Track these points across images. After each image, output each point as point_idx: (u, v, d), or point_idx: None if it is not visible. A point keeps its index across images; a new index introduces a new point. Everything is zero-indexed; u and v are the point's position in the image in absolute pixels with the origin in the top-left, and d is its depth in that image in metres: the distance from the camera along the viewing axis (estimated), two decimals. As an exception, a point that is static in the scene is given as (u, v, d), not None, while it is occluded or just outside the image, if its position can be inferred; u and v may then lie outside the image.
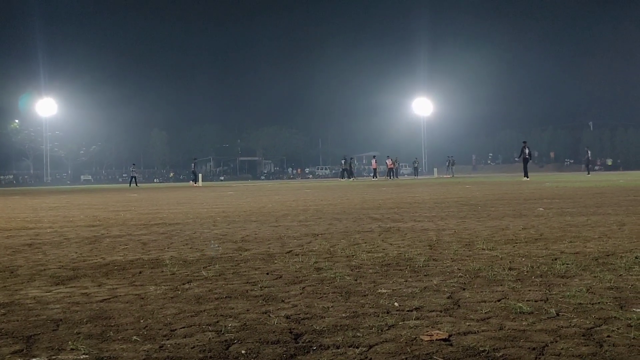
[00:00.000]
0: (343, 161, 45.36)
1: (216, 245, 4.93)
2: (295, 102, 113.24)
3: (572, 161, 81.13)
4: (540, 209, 8.38)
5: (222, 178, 78.46)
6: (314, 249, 4.69)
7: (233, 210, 9.92)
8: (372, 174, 50.35)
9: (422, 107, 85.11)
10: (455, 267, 3.64)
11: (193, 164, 41.21)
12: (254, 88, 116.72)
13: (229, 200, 14.53)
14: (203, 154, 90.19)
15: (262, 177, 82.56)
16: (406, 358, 2.00)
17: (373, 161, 46.09)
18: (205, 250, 4.80)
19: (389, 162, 46.01)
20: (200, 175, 42.56)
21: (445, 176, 49.39)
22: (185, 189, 28.67)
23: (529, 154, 28.58)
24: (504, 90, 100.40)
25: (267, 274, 3.62)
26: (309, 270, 3.68)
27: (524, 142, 29.28)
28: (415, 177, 49.90)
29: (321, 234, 5.79)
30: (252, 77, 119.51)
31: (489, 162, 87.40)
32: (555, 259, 3.85)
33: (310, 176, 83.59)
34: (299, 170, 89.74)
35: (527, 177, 27.38)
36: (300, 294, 3.01)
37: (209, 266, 3.95)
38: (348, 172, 44.61)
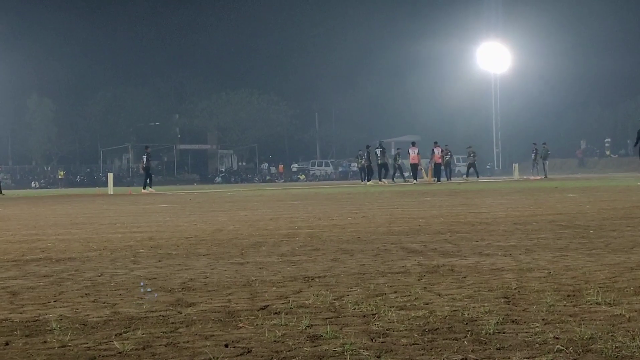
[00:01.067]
0: (362, 152, 45.59)
1: (147, 288, 4.89)
2: (277, 52, 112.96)
3: None
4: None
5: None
6: (306, 302, 4.67)
7: (167, 236, 9.89)
8: (405, 174, 50.33)
9: (493, 58, 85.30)
10: (551, 335, 3.62)
11: (145, 157, 40.15)
12: (206, 28, 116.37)
13: (160, 218, 14.50)
14: (115, 139, 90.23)
15: (218, 179, 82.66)
16: None
17: (411, 151, 45.80)
18: (120, 304, 4.78)
19: (437, 153, 45.97)
20: (154, 173, 42.34)
21: (532, 177, 49.52)
22: (86, 199, 28.69)
23: None
24: (633, 31, 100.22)
25: (226, 346, 3.60)
26: (297, 341, 3.66)
27: None
28: (470, 179, 49.77)
29: (319, 277, 5.76)
30: (202, 12, 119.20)
31: (607, 152, 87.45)
32: None
33: (302, 177, 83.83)
34: (280, 167, 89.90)
35: None
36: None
37: (126, 332, 3.93)
38: (371, 170, 44.97)
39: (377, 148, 44.79)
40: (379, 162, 44.39)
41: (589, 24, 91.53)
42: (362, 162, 46.22)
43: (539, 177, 48.67)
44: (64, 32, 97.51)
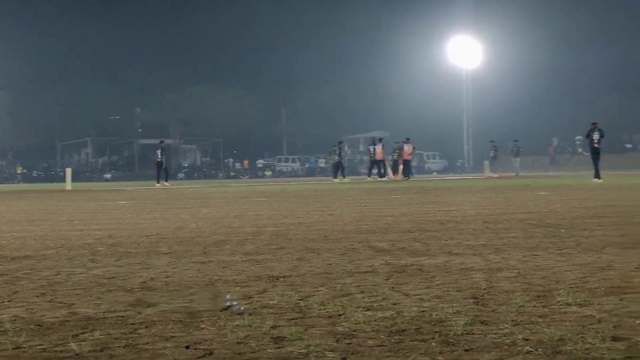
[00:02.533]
0: (335, 148, 45.73)
1: (237, 304, 4.64)
2: (244, 46, 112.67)
3: None
4: (669, 233, 8.47)
5: (108, 176, 78.07)
6: (271, 303, 4.67)
7: (127, 234, 9.85)
8: (375, 170, 50.40)
9: (464, 52, 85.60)
10: (520, 336, 3.65)
11: (159, 151, 41.68)
12: (170, 20, 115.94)
13: (120, 215, 14.43)
14: (74, 133, 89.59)
15: (181, 175, 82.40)
16: None
17: (377, 147, 46.06)
18: (77, 304, 4.75)
19: (407, 149, 46.14)
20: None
21: (494, 175, 49.87)
22: (43, 196, 28.46)
23: (599, 140, 30.47)
24: (608, 27, 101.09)
25: (187, 347, 3.60)
26: (261, 342, 3.67)
27: (594, 124, 31.05)
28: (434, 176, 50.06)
29: (284, 277, 5.76)
30: (166, 4, 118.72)
31: (579, 150, 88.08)
32: (694, 322, 3.89)
33: (268, 173, 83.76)
34: (246, 162, 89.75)
35: (600, 179, 29.22)
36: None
37: (83, 333, 3.91)
38: (342, 166, 45.22)
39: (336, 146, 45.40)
40: (340, 160, 44.89)
41: (562, 20, 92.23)
42: (335, 158, 46.22)
43: (496, 175, 49.10)
44: (20, 23, 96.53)
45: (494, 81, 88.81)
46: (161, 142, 44.05)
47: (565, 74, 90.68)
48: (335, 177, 45.33)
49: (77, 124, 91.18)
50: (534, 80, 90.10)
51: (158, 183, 40.62)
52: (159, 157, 41.64)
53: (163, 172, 42.06)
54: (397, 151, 46.76)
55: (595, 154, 30.45)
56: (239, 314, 4.34)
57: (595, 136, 30.48)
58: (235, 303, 4.59)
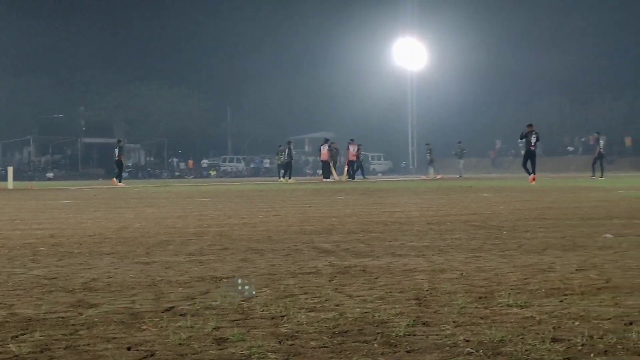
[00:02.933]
0: (283, 148, 45.82)
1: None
2: (189, 44, 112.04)
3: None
4: (608, 235, 8.59)
5: (50, 175, 77.15)
6: (213, 304, 4.66)
7: (69, 234, 9.75)
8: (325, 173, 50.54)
9: (409, 54, 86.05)
10: (461, 338, 3.68)
11: (117, 150, 42.88)
12: (114, 18, 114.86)
13: (62, 215, 14.27)
14: (16, 132, 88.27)
15: (125, 174, 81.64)
16: None
17: (322, 148, 46.23)
18: (17, 305, 4.69)
19: (352, 150, 46.32)
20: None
21: (424, 177, 50.38)
22: (-17, 194, 28.01)
23: (536, 143, 31.63)
24: (549, 29, 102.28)
25: (129, 349, 3.58)
26: (203, 344, 3.66)
27: (530, 126, 32.19)
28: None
29: (228, 278, 5.75)
30: (110, 1, 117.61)
31: (522, 152, 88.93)
32: (631, 324, 3.96)
33: (212, 173, 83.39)
34: (190, 162, 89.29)
35: (533, 179, 30.29)
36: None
37: (23, 334, 3.87)
38: (290, 166, 45.26)
39: (282, 146, 45.68)
40: (286, 160, 45.07)
41: (505, 22, 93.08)
42: (282, 158, 46.16)
43: (426, 177, 49.71)
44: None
45: (438, 83, 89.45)
46: (119, 140, 45.32)
47: (505, 76, 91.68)
48: (284, 177, 45.34)
49: (19, 122, 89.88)
50: (476, 81, 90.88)
51: (120, 182, 41.74)
52: (117, 155, 42.77)
53: (116, 167, 43.45)
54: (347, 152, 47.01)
55: (532, 156, 31.16)
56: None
57: (533, 139, 31.28)
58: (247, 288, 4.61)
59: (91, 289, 5.32)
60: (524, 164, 31.54)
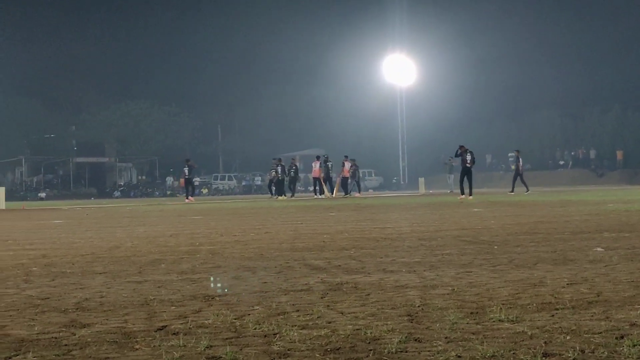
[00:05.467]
0: (276, 165, 45.89)
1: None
2: (179, 63, 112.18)
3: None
4: (598, 249, 8.62)
5: (42, 195, 76.98)
6: (206, 322, 4.66)
7: (62, 254, 9.71)
8: (317, 189, 50.58)
9: (399, 70, 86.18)
10: (453, 354, 3.68)
11: (186, 169, 44.34)
12: (104, 38, 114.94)
13: (54, 234, 14.22)
14: (8, 152, 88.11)
15: (117, 194, 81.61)
16: None
17: (314, 165, 46.31)
18: (10, 326, 4.68)
19: (346, 166, 46.35)
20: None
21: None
22: (-26, 215, 27.93)
23: (472, 160, 32.42)
24: (538, 45, 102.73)
25: (122, 369, 3.56)
26: (196, 362, 3.64)
27: (462, 147, 32.94)
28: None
29: (220, 296, 5.75)
30: (101, 21, 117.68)
31: (512, 167, 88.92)
32: (622, 337, 3.97)
33: (204, 191, 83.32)
34: (182, 181, 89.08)
35: (471, 196, 31.37)
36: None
37: (16, 355, 3.85)
38: (281, 184, 45.26)
39: (277, 164, 45.74)
40: (280, 177, 45.13)
41: (493, 38, 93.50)
42: (279, 175, 46.11)
43: (440, 192, 49.75)
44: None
45: (427, 99, 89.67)
46: (187, 160, 46.55)
47: (494, 92, 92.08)
48: (279, 194, 45.32)
49: (10, 143, 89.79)
50: (465, 97, 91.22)
51: (187, 198, 43.51)
52: (187, 173, 44.67)
53: (190, 188, 46.05)
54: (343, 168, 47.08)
55: (469, 173, 32.01)
56: None
57: (468, 157, 32.10)
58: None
59: (84, 309, 5.31)
60: (461, 182, 32.38)
